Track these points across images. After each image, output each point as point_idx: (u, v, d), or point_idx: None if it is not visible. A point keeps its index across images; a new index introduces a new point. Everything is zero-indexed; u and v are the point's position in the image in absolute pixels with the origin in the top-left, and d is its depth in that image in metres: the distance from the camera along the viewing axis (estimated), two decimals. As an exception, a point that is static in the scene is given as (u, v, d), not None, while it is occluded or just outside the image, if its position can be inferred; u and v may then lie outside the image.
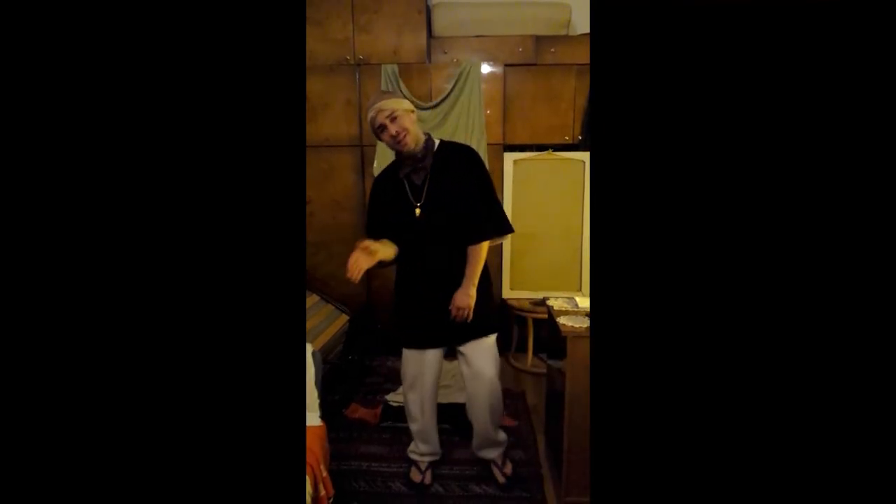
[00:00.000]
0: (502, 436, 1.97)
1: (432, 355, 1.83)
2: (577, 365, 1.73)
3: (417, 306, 1.79)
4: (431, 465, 2.01)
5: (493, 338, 1.83)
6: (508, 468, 1.98)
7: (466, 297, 1.69)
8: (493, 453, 1.97)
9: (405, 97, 2.79)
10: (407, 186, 1.74)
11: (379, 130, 1.66)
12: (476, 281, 1.71)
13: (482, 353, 1.80)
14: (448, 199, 1.70)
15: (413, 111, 1.69)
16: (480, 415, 1.86)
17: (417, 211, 1.71)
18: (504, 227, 1.75)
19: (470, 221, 1.70)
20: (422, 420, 1.93)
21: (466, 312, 1.70)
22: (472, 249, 1.72)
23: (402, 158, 1.72)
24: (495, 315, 1.89)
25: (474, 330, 1.76)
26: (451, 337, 1.78)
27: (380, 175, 1.85)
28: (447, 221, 1.71)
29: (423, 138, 1.71)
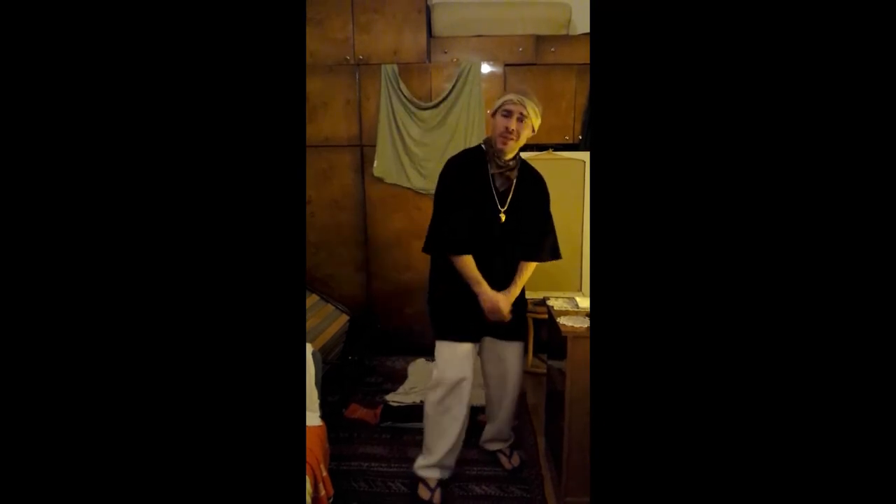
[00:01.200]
0: (510, 432, 2.10)
1: (470, 349, 1.82)
2: (577, 365, 1.72)
3: (469, 301, 1.77)
4: (441, 483, 1.89)
5: (520, 344, 1.95)
6: (516, 459, 2.07)
7: (508, 303, 1.78)
8: (501, 445, 2.09)
9: (406, 98, 2.83)
10: (493, 186, 1.76)
11: (501, 113, 1.68)
12: (519, 290, 1.83)
13: (511, 351, 1.91)
14: (524, 214, 1.78)
15: (534, 130, 1.72)
16: (503, 412, 1.99)
17: (503, 217, 1.76)
18: (557, 254, 1.87)
19: (533, 241, 1.80)
20: (458, 426, 1.85)
21: (503, 315, 1.77)
22: (524, 264, 1.82)
23: (491, 156, 1.73)
24: (524, 328, 2.06)
25: (509, 329, 1.86)
26: (490, 330, 1.85)
27: (455, 164, 1.79)
28: (518, 233, 1.78)
29: (518, 151, 1.76)
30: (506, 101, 1.67)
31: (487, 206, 1.75)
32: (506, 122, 1.66)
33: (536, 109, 1.68)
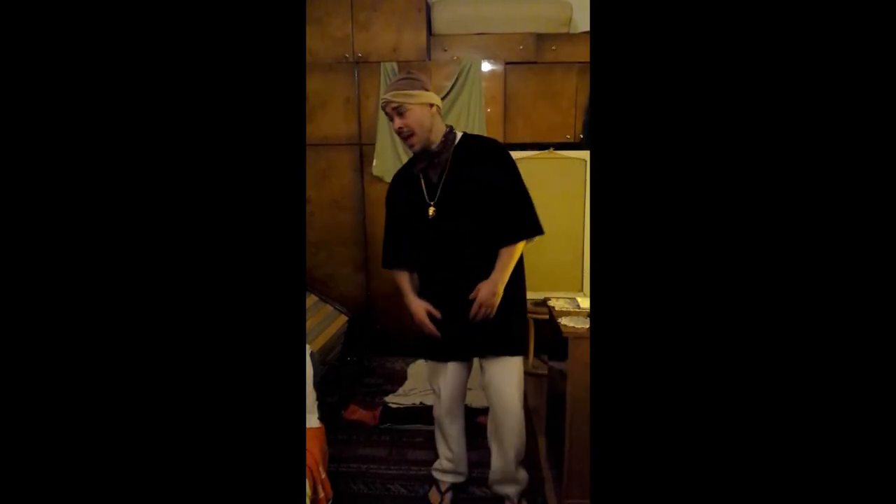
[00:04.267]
0: (523, 474, 1.75)
1: (453, 368, 1.69)
2: (578, 366, 1.71)
3: (438, 309, 1.61)
4: (453, 486, 1.87)
5: (517, 361, 1.63)
6: None
7: (491, 293, 1.51)
8: (510, 490, 1.75)
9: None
10: (423, 184, 1.61)
11: (388, 117, 1.55)
12: (505, 278, 1.54)
13: (504, 374, 1.61)
14: (466, 197, 1.55)
15: (431, 104, 1.52)
16: (500, 448, 1.69)
17: (431, 210, 1.57)
18: (533, 229, 1.57)
19: (499, 221, 1.55)
20: (445, 432, 1.80)
21: (488, 310, 1.53)
22: (503, 250, 1.55)
23: (417, 154, 1.59)
24: (522, 336, 1.68)
25: (495, 343, 1.60)
26: (470, 349, 1.65)
27: (397, 173, 1.71)
28: (465, 222, 1.55)
29: (442, 131, 1.57)
30: (383, 104, 1.54)
31: (414, 205, 1.61)
32: (394, 124, 1.53)
33: (410, 88, 1.49)
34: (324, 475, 1.57)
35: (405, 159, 2.91)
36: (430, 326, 1.61)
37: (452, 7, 2.93)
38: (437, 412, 1.79)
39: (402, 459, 2.12)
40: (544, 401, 2.42)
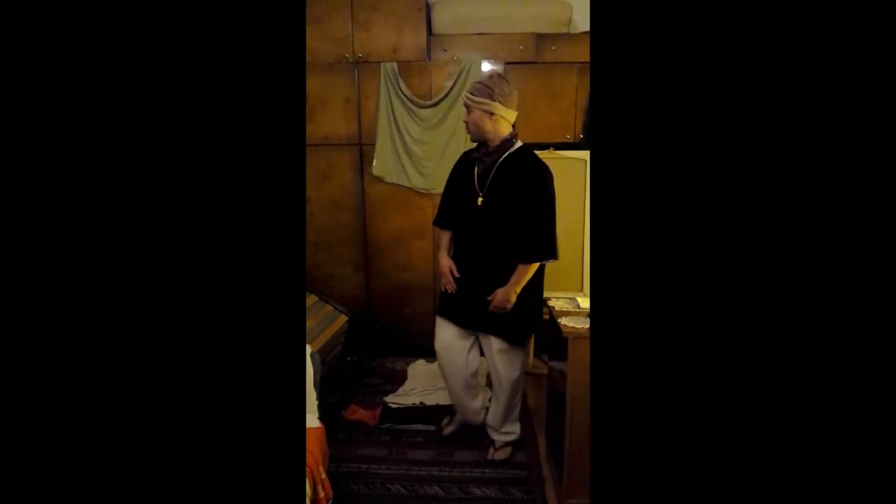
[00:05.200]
0: (510, 436, 2.10)
1: (448, 325, 2.01)
2: (578, 366, 1.71)
3: (457, 281, 1.96)
4: (461, 424, 2.22)
5: (506, 344, 1.93)
6: (499, 454, 2.09)
7: (505, 300, 1.83)
8: (494, 435, 2.10)
9: (406, 97, 2.81)
10: (475, 173, 1.91)
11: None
12: (518, 289, 1.83)
13: (494, 349, 1.95)
14: (501, 202, 1.84)
15: (490, 112, 1.80)
16: (497, 402, 2.04)
17: (479, 200, 1.87)
18: (546, 254, 1.84)
19: (520, 238, 1.82)
20: (453, 388, 2.11)
21: (500, 311, 1.85)
22: (520, 265, 1.83)
23: (478, 145, 1.91)
24: (524, 330, 1.97)
25: (490, 325, 1.91)
26: (468, 320, 1.97)
27: (464, 153, 2.04)
28: (500, 220, 1.84)
29: (499, 136, 1.84)
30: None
31: (469, 190, 1.91)
32: (464, 116, 1.88)
33: (485, 93, 1.79)
34: (324, 475, 1.57)
35: (405, 160, 2.92)
36: (449, 279, 1.96)
37: (452, 7, 2.93)
38: (445, 367, 2.09)
39: (402, 459, 2.12)
40: (544, 401, 2.42)
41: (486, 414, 2.13)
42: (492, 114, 1.80)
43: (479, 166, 1.89)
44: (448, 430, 2.24)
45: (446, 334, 2.03)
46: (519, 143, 1.90)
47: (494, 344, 1.93)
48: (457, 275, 1.95)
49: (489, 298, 1.85)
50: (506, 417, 2.07)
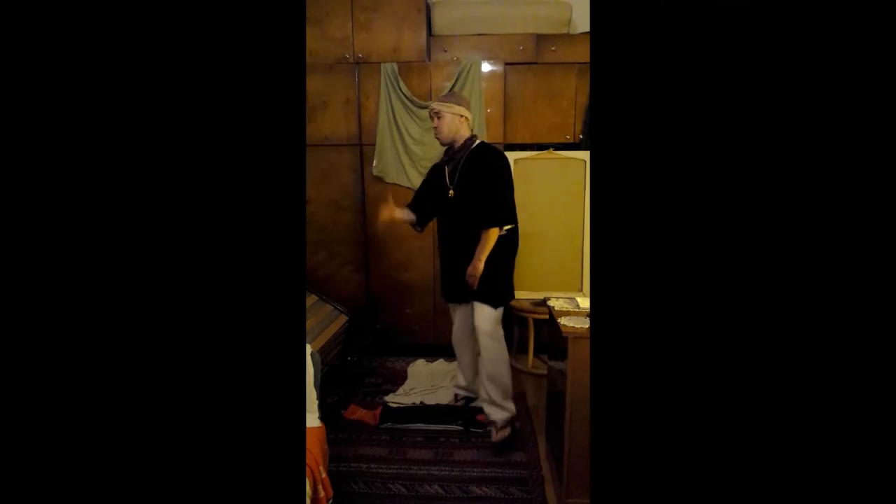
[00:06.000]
0: (500, 413, 2.22)
1: (459, 308, 2.37)
2: (578, 366, 1.71)
3: (443, 264, 2.34)
4: (466, 399, 2.53)
5: (489, 308, 2.19)
6: (500, 434, 2.20)
7: (472, 269, 2.13)
8: (493, 414, 2.23)
9: (406, 97, 2.81)
10: (447, 172, 2.26)
11: (431, 119, 2.23)
12: (482, 257, 2.12)
13: (480, 315, 2.21)
14: (469, 189, 2.17)
15: (461, 115, 2.17)
16: (481, 371, 2.27)
17: (451, 192, 2.22)
18: (504, 220, 2.15)
19: (481, 211, 2.13)
20: (459, 359, 2.49)
21: (473, 280, 2.13)
22: (483, 233, 2.13)
23: (445, 150, 2.26)
24: (498, 292, 2.23)
25: (474, 294, 2.19)
26: (462, 296, 2.26)
27: (437, 163, 2.38)
28: (466, 206, 2.17)
29: (463, 136, 2.20)
30: (430, 110, 2.23)
31: (442, 187, 2.26)
32: (432, 122, 2.22)
33: (453, 101, 2.18)
34: (324, 475, 1.57)
35: (405, 160, 2.93)
36: (393, 211, 2.28)
37: (452, 8, 2.93)
38: (453, 341, 2.47)
39: (402, 459, 2.12)
40: (544, 401, 2.42)
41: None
42: (461, 116, 2.18)
43: (450, 165, 2.24)
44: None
45: (458, 315, 2.38)
46: (479, 140, 2.23)
47: (485, 310, 2.18)
48: (406, 218, 2.31)
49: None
50: (498, 390, 2.22)
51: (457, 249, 2.22)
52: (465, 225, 2.18)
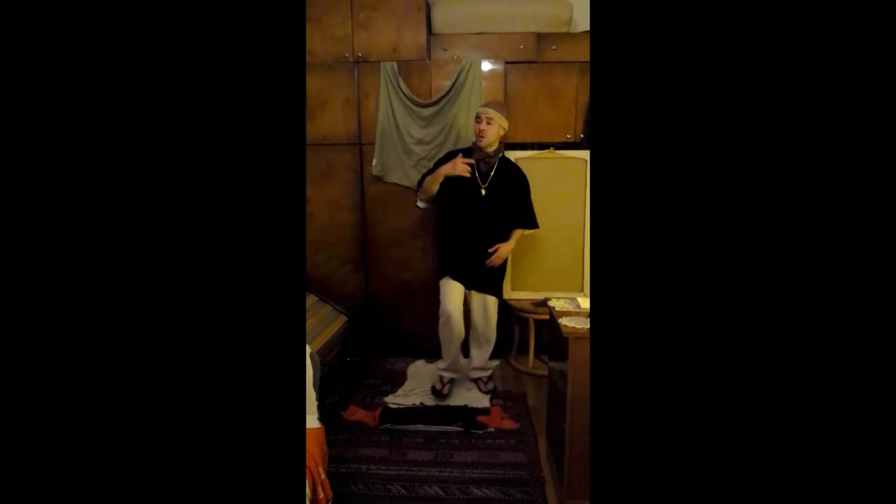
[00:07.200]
0: (491, 363, 2.75)
1: (456, 286, 2.55)
2: (578, 366, 1.71)
3: (462, 252, 2.53)
4: (452, 381, 2.70)
5: (494, 298, 2.62)
6: (491, 385, 2.72)
7: (506, 251, 2.52)
8: (481, 374, 2.73)
9: (406, 96, 2.81)
10: (477, 171, 2.46)
11: (475, 119, 2.44)
12: (513, 246, 2.55)
13: (493, 304, 2.62)
14: (502, 192, 2.49)
15: (503, 128, 2.44)
16: (479, 350, 2.68)
17: (483, 191, 2.47)
18: (534, 224, 2.58)
19: (514, 214, 2.54)
20: (447, 337, 2.61)
21: (498, 261, 2.50)
22: (515, 231, 2.55)
23: (475, 149, 2.47)
24: (500, 286, 2.67)
25: (484, 284, 2.57)
26: (469, 281, 2.55)
27: (452, 150, 2.61)
28: (499, 206, 2.49)
29: (499, 146, 2.48)
30: (478, 113, 2.45)
31: (472, 183, 2.45)
32: (477, 126, 2.43)
33: (500, 114, 2.41)
34: (323, 476, 1.57)
35: (405, 159, 2.92)
36: (460, 163, 2.43)
37: (452, 6, 2.92)
38: (440, 324, 2.59)
39: (402, 459, 2.11)
40: (544, 401, 2.42)
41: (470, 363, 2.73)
42: (502, 127, 2.43)
43: (483, 165, 2.47)
44: (446, 391, 2.64)
45: (450, 294, 2.54)
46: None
47: (489, 300, 2.59)
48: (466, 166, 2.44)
49: (490, 251, 2.47)
50: (487, 352, 2.70)
51: (482, 242, 2.49)
52: (495, 223, 2.50)
